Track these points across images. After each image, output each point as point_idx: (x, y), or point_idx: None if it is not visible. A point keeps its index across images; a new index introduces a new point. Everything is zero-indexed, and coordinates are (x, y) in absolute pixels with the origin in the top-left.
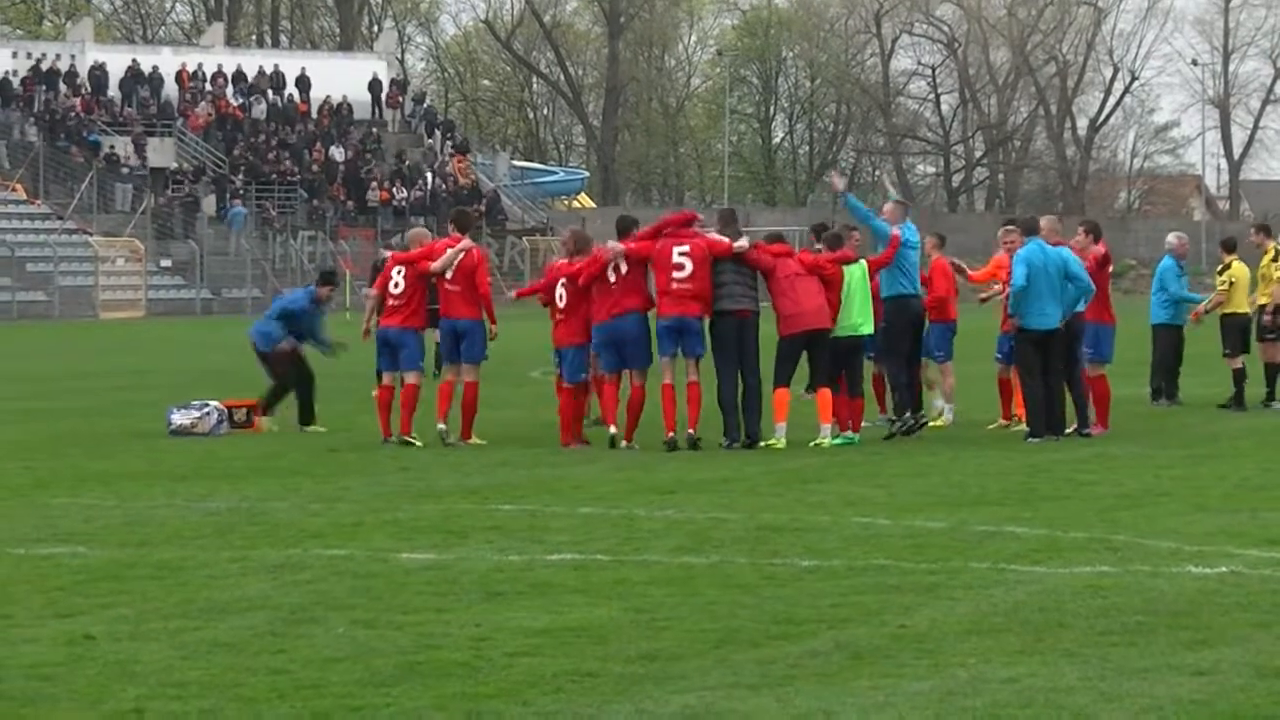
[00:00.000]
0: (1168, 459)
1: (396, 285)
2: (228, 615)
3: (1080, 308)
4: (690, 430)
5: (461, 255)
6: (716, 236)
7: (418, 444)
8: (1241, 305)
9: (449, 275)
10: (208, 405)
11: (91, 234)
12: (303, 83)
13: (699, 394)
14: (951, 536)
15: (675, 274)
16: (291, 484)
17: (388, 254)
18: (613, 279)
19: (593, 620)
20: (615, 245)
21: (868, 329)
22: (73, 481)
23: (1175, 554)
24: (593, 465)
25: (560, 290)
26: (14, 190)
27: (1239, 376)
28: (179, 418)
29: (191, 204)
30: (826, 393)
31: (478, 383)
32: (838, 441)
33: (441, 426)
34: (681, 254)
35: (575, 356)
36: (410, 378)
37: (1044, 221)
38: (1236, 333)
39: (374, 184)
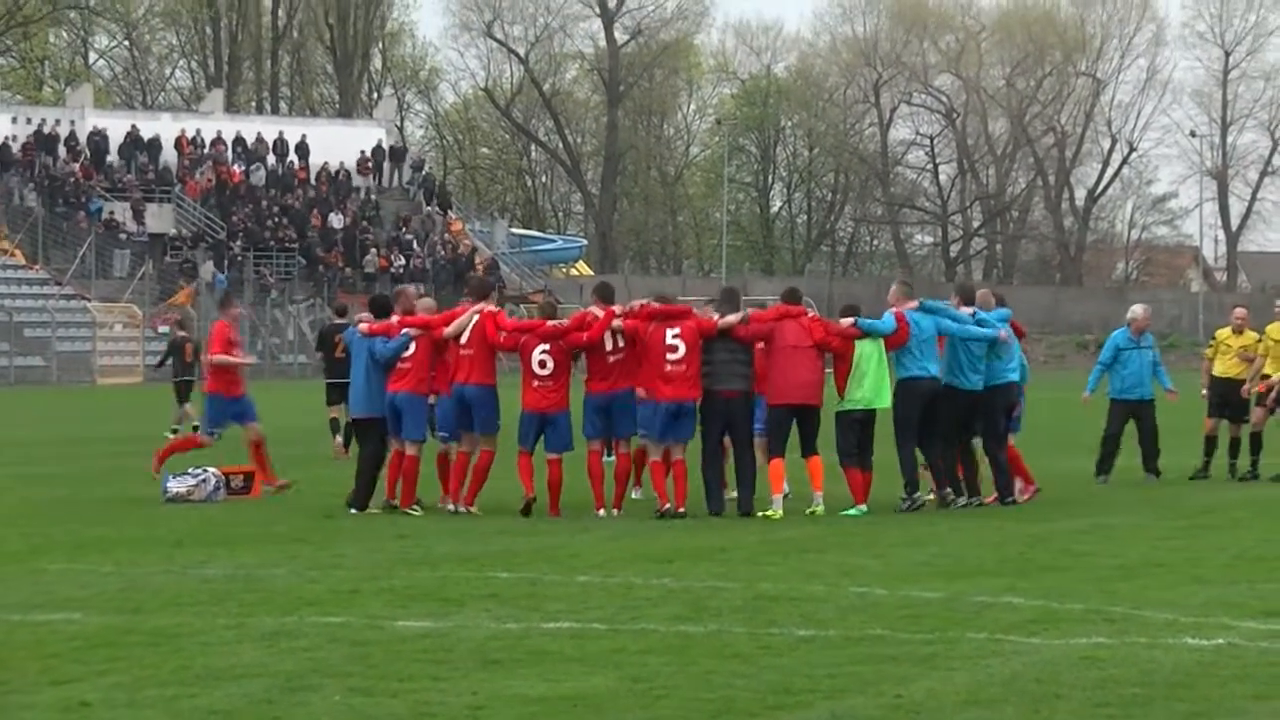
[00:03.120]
0: (1165, 530)
1: (406, 348)
2: (224, 682)
3: (1013, 377)
4: (679, 509)
5: (475, 319)
6: (704, 316)
7: (418, 513)
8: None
9: (464, 340)
10: (204, 472)
11: (90, 299)
12: (302, 149)
13: (685, 470)
14: (948, 607)
15: (669, 355)
16: (288, 551)
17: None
18: (610, 350)
19: (589, 689)
20: (617, 320)
21: (880, 404)
22: (69, 548)
23: (1172, 625)
24: (589, 534)
25: (543, 357)
26: (12, 255)
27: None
28: (175, 485)
29: (190, 270)
30: (817, 460)
31: (493, 453)
32: (850, 513)
33: (450, 507)
34: (674, 336)
35: (565, 423)
36: (410, 449)
37: (979, 293)
38: None
39: (373, 251)
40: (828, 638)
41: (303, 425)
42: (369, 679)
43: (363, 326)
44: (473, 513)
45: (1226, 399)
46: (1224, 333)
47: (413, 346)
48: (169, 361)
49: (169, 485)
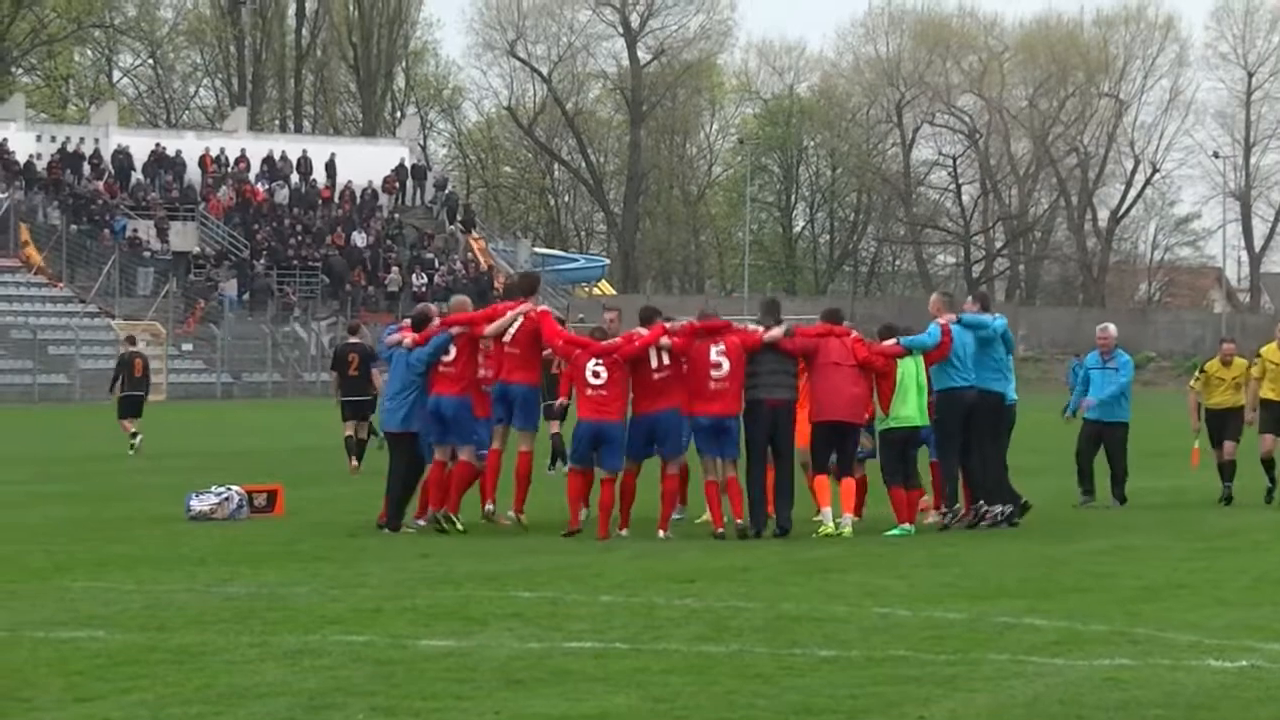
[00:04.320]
0: (1187, 551)
1: (448, 351)
2: (247, 701)
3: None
4: (739, 520)
5: (521, 319)
6: (749, 329)
7: (459, 526)
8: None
9: (508, 338)
10: (227, 490)
11: (114, 317)
12: (331, 169)
13: (740, 487)
14: (971, 628)
15: (713, 372)
16: (311, 569)
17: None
18: (655, 368)
19: (611, 709)
20: (665, 338)
21: (923, 421)
22: (93, 565)
23: (1195, 647)
24: (612, 553)
25: (597, 368)
26: (38, 272)
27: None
28: (197, 504)
29: (213, 288)
30: (850, 482)
31: (531, 452)
32: (895, 533)
33: (489, 507)
34: (719, 353)
35: (619, 438)
36: (464, 454)
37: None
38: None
39: (394, 269)
40: (850, 658)
41: (324, 444)
42: (392, 698)
43: (406, 340)
44: (522, 521)
45: (1226, 426)
46: (1213, 365)
47: (453, 350)
48: (119, 380)
49: (192, 503)
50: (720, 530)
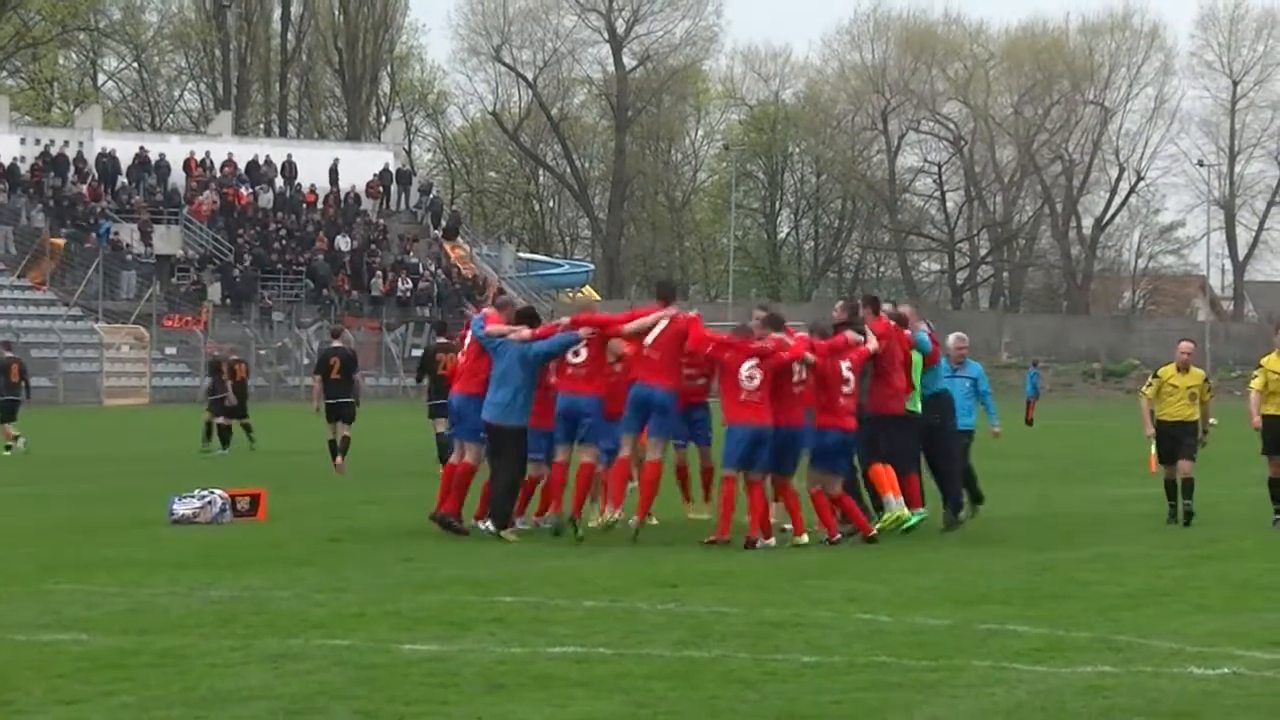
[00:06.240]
0: (1170, 559)
1: (578, 353)
2: (229, 704)
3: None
4: (870, 532)
5: (666, 321)
6: (864, 346)
7: (579, 534)
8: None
9: (649, 340)
10: (210, 494)
11: (97, 321)
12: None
13: (851, 500)
14: (954, 634)
15: (844, 388)
16: (294, 574)
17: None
18: (795, 381)
19: (594, 714)
20: (810, 354)
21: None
22: (76, 568)
23: (1177, 654)
24: (596, 558)
25: (751, 371)
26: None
27: None
28: (180, 508)
29: (198, 292)
30: (891, 469)
31: (661, 461)
32: (913, 522)
33: (617, 515)
34: (848, 369)
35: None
36: (587, 455)
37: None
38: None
39: (378, 273)
40: (832, 664)
41: (308, 448)
42: (374, 702)
43: (524, 332)
44: (650, 523)
45: (1179, 442)
46: (1167, 370)
47: (583, 351)
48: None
49: (175, 507)
50: (838, 537)
